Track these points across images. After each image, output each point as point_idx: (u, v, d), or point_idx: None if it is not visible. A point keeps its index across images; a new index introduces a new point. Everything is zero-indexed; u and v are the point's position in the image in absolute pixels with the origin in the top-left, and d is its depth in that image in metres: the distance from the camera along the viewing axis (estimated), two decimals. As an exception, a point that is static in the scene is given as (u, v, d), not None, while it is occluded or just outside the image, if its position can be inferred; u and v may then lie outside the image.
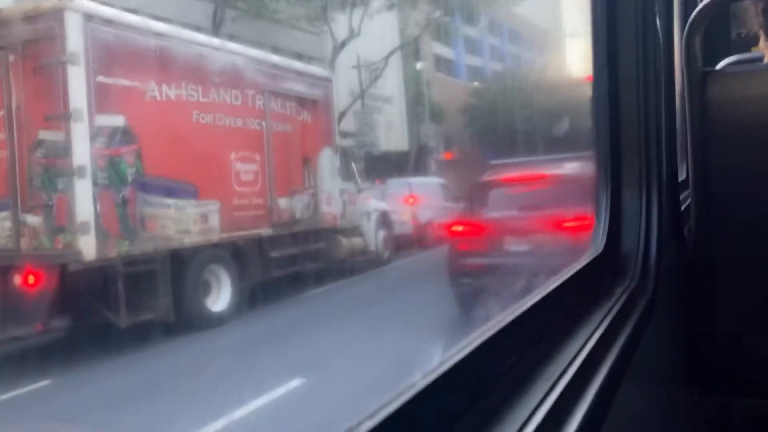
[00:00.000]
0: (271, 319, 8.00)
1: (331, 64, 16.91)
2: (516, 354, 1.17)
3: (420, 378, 0.88)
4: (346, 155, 11.97)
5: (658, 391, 2.20)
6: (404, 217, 13.95)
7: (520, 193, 7.69)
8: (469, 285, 7.12)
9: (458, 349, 1.00)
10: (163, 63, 7.75)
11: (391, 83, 23.21)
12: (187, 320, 7.69)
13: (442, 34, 26.06)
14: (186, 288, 7.78)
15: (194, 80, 8.18)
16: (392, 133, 23.02)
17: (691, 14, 2.50)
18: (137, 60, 7.44)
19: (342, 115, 17.48)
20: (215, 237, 8.30)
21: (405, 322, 6.93)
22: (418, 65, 26.22)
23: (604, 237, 1.91)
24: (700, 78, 2.51)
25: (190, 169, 8.01)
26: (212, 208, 8.29)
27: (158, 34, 7.71)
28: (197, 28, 11.52)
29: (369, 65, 19.49)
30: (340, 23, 17.69)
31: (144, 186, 7.34)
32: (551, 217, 6.77)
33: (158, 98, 7.63)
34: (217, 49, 8.77)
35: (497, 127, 25.33)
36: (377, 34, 18.77)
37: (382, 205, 12.59)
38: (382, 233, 12.06)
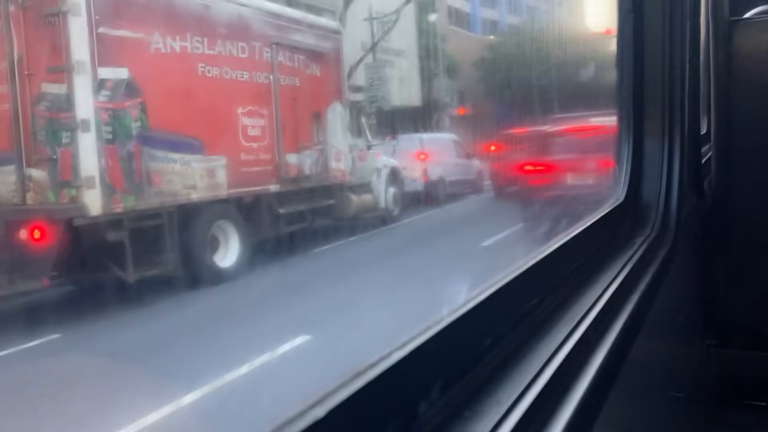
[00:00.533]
0: (279, 276, 7.97)
1: (342, 16, 16.52)
2: (538, 297, 1.19)
3: (447, 314, 0.90)
4: (356, 110, 11.76)
5: (675, 341, 2.22)
6: (415, 174, 13.81)
7: (575, 140, 9.46)
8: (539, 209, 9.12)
9: (483, 288, 1.01)
10: (168, 14, 7.55)
11: (404, 36, 22.72)
12: (194, 276, 7.67)
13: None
14: (193, 243, 7.75)
15: (200, 32, 7.98)
16: (405, 87, 22.64)
17: None
18: (141, 11, 7.26)
19: (353, 68, 17.16)
20: (222, 192, 8.23)
21: (413, 280, 6.86)
22: (431, 17, 25.62)
23: (625, 186, 1.91)
24: (726, 27, 2.49)
25: (196, 123, 7.89)
26: (219, 163, 8.19)
27: (162, -16, 7.49)
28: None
29: (381, 17, 19.05)
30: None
31: (149, 140, 7.24)
32: (600, 158, 8.15)
33: (163, 50, 7.46)
34: (222, -1, 8.54)
35: (513, 82, 24.81)
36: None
37: (393, 162, 12.43)
38: (392, 190, 11.94)
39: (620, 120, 2.02)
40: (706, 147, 2.81)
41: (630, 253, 1.68)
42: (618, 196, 1.90)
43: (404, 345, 0.79)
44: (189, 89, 7.85)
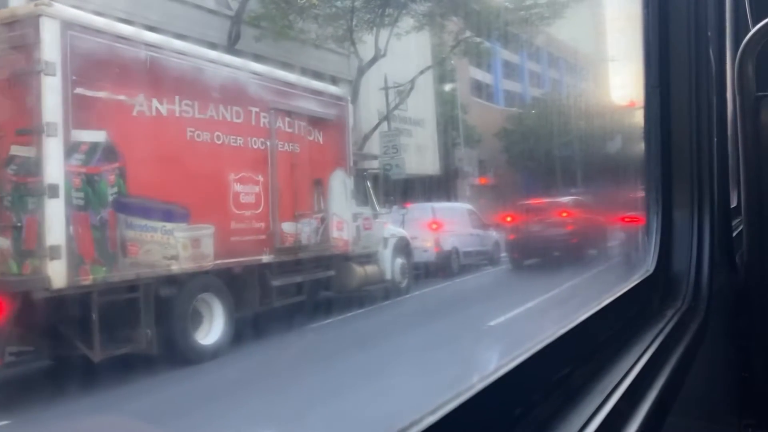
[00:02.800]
0: (263, 356, 7.29)
1: (356, 85, 16.38)
2: (568, 367, 1.20)
3: (477, 381, 0.92)
4: (363, 178, 11.28)
5: (710, 419, 2.18)
6: (427, 244, 13.20)
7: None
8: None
9: (513, 356, 1.03)
10: (154, 76, 7.21)
11: (423, 106, 22.60)
12: (172, 354, 7.05)
13: (481, 58, 25.46)
14: (172, 319, 7.15)
15: (190, 95, 7.62)
16: (422, 156, 22.35)
17: (743, 38, 2.47)
18: (124, 72, 6.92)
19: (367, 137, 16.90)
20: (208, 263, 7.66)
21: (414, 364, 6.14)
22: (448, 87, 25.61)
23: (655, 258, 1.93)
24: (753, 102, 2.49)
25: (181, 190, 7.42)
26: (206, 232, 7.67)
27: (149, 45, 7.18)
28: (214, 46, 11.11)
29: (396, 87, 18.93)
30: (368, 44, 17.20)
31: (127, 207, 6.76)
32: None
33: (147, 113, 7.08)
34: (216, 63, 8.22)
35: (535, 153, 24.49)
36: (406, 54, 18.22)
37: (401, 231, 11.84)
38: (399, 261, 11.29)
39: (648, 191, 2.05)
40: (737, 220, 2.75)
41: (661, 325, 1.67)
42: (648, 267, 1.91)
43: (434, 411, 0.81)
44: (175, 154, 7.43)
